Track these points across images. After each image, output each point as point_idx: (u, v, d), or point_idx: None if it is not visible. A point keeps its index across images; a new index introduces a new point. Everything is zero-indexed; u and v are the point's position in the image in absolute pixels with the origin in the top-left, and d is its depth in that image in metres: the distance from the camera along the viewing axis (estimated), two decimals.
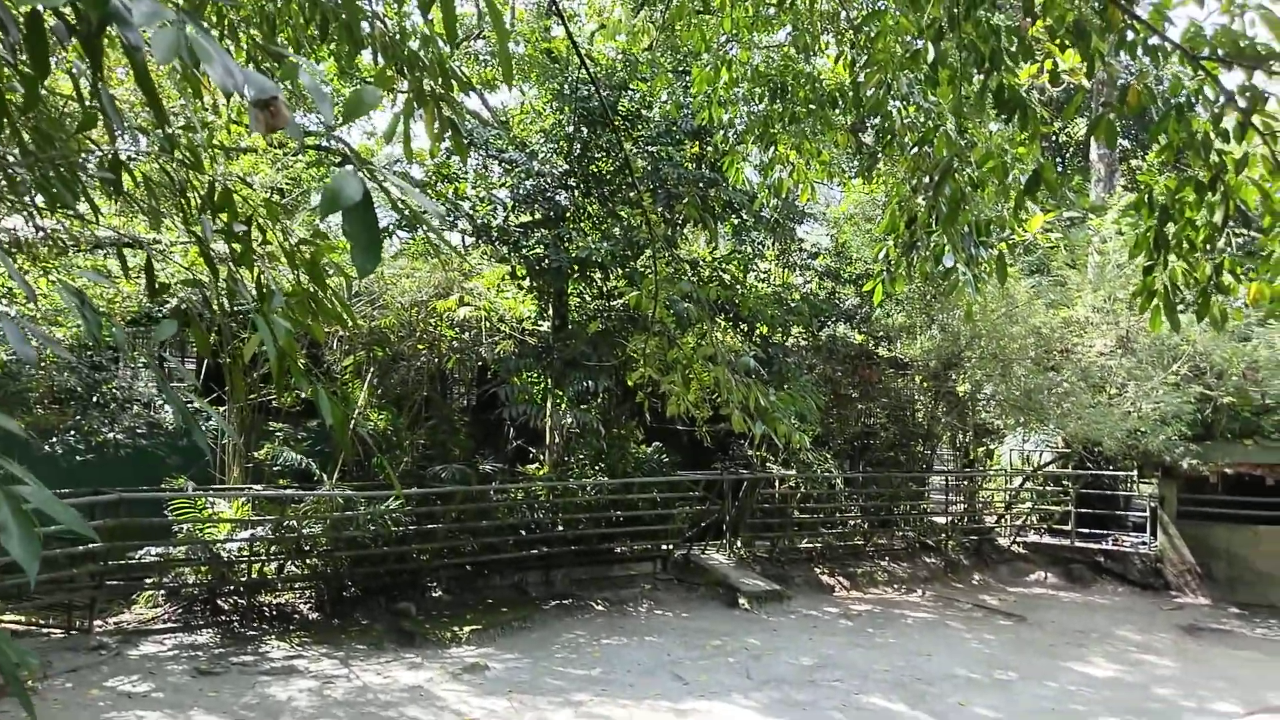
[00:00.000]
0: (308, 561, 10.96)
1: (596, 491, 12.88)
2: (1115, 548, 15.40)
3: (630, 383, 8.46)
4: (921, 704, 8.46)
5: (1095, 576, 15.04)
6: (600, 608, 11.75)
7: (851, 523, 15.48)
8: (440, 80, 3.19)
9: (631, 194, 12.24)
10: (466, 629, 10.33)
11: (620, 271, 12.95)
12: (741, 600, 12.24)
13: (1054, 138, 21.69)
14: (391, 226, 12.95)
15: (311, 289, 2.82)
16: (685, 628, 11.05)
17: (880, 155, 5.61)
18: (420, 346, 12.47)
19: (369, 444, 11.92)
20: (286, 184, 11.05)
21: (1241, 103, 3.91)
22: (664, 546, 13.48)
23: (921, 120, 4.97)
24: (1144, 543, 15.07)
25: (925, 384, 15.63)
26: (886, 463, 16.30)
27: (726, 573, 13.09)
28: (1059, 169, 20.32)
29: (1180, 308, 4.52)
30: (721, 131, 9.80)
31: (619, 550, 13.23)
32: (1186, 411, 12.99)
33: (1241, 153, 4.12)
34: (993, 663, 10.01)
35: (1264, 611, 12.69)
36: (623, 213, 12.99)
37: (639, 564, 13.21)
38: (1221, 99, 3.99)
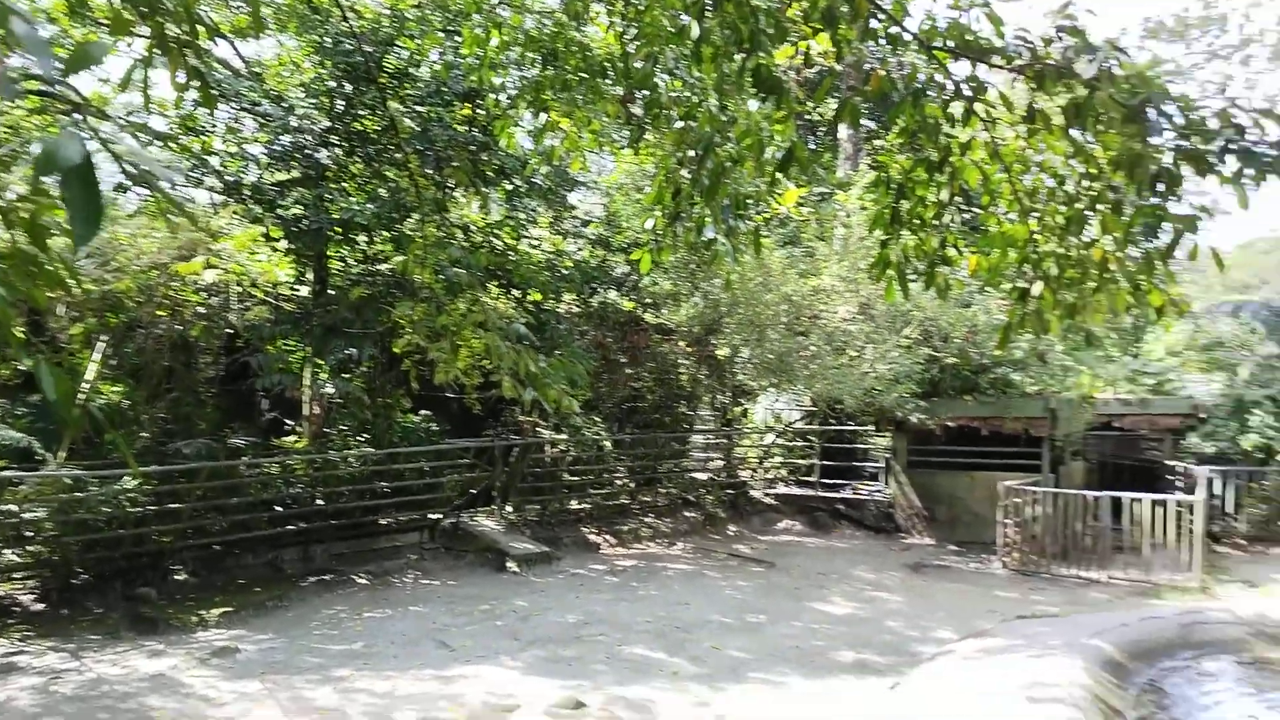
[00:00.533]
0: (29, 549, 9.90)
1: (360, 463, 12.47)
2: (854, 496, 16.81)
3: (396, 350, 8.23)
4: (680, 651, 8.90)
5: (836, 523, 16.37)
6: (363, 581, 11.44)
7: (619, 482, 15.94)
8: (186, 26, 2.92)
9: (398, 155, 11.80)
10: (215, 612, 9.76)
11: (386, 235, 12.50)
12: (510, 564, 12.31)
13: (807, 117, 23.01)
14: (125, 183, 11.78)
15: (31, 250, 2.52)
16: (453, 595, 10.98)
17: (648, 127, 5.73)
18: (161, 313, 11.50)
19: (100, 420, 10.87)
20: (4, 133, 9.77)
21: (967, 91, 4.32)
22: (431, 516, 13.29)
23: (686, 95, 5.12)
24: (878, 491, 16.55)
25: (689, 349, 16.28)
26: (652, 424, 16.87)
27: (496, 538, 13.12)
28: (811, 147, 21.57)
29: (911, 277, 4.95)
30: (493, 95, 9.64)
31: (384, 522, 12.91)
32: (916, 371, 14.35)
33: (966, 137, 4.56)
34: (744, 608, 10.68)
35: (978, 548, 14.29)
36: (389, 174, 12.51)
37: (405, 534, 12.96)
38: (950, 87, 4.40)
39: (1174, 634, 9.58)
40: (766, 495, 17.51)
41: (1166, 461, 16.55)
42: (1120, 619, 9.85)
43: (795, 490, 17.55)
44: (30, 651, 8.41)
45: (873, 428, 16.49)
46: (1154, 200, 3.97)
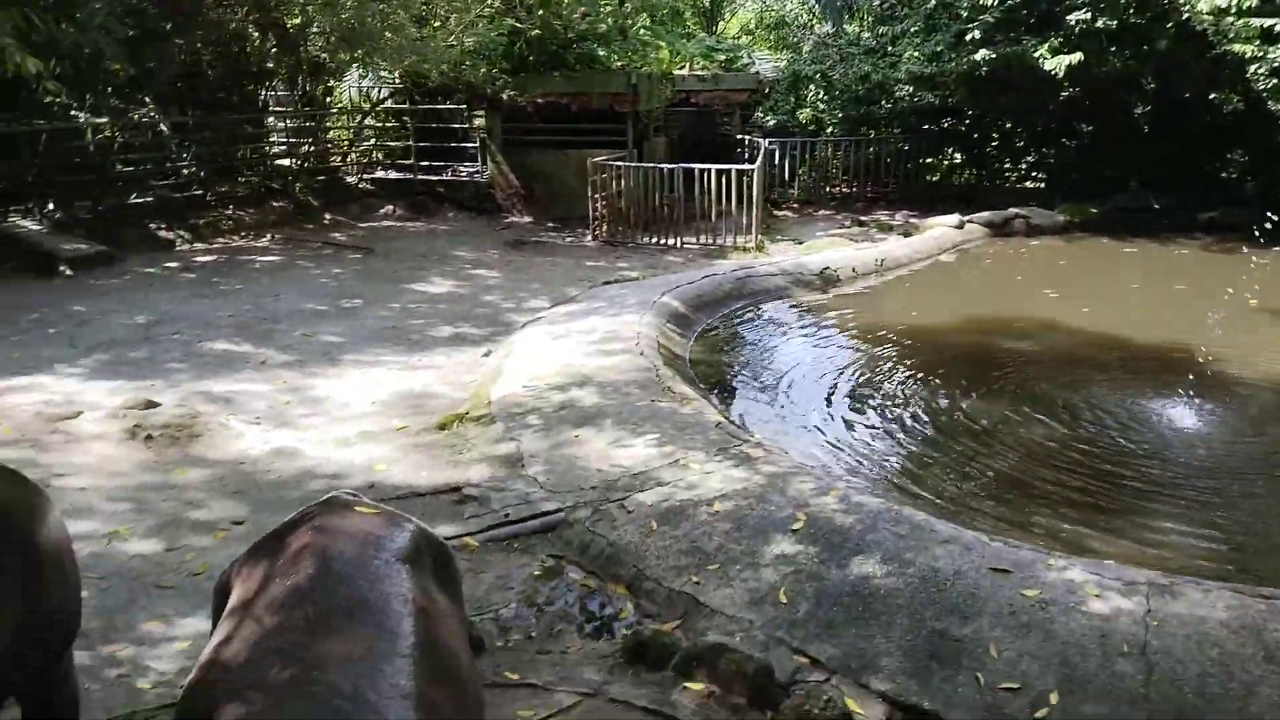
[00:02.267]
0: None
1: None
2: (453, 178, 16.60)
3: None
4: (268, 341, 8.54)
5: (437, 206, 16.17)
6: None
7: (186, 172, 14.27)
8: None
9: None
10: None
11: None
12: (62, 267, 10.81)
13: None
14: None
15: None
16: None
17: None
18: None
19: None
20: None
21: None
22: None
23: None
24: (477, 171, 16.44)
25: (252, 16, 14.29)
26: (219, 105, 15.01)
27: (40, 239, 11.37)
28: None
29: None
30: None
31: None
32: (501, 43, 13.87)
33: None
34: (340, 294, 10.42)
35: (573, 223, 14.88)
36: None
37: None
38: None
39: (730, 287, 10.88)
40: (363, 181, 16.74)
41: (737, 135, 18.05)
42: (687, 278, 10.97)
43: (393, 175, 16.93)
44: None
45: (467, 108, 16.02)
46: None
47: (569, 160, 14.82)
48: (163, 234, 12.90)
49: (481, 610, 4.23)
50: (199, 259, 12.10)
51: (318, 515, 2.63)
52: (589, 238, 14.10)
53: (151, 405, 6.76)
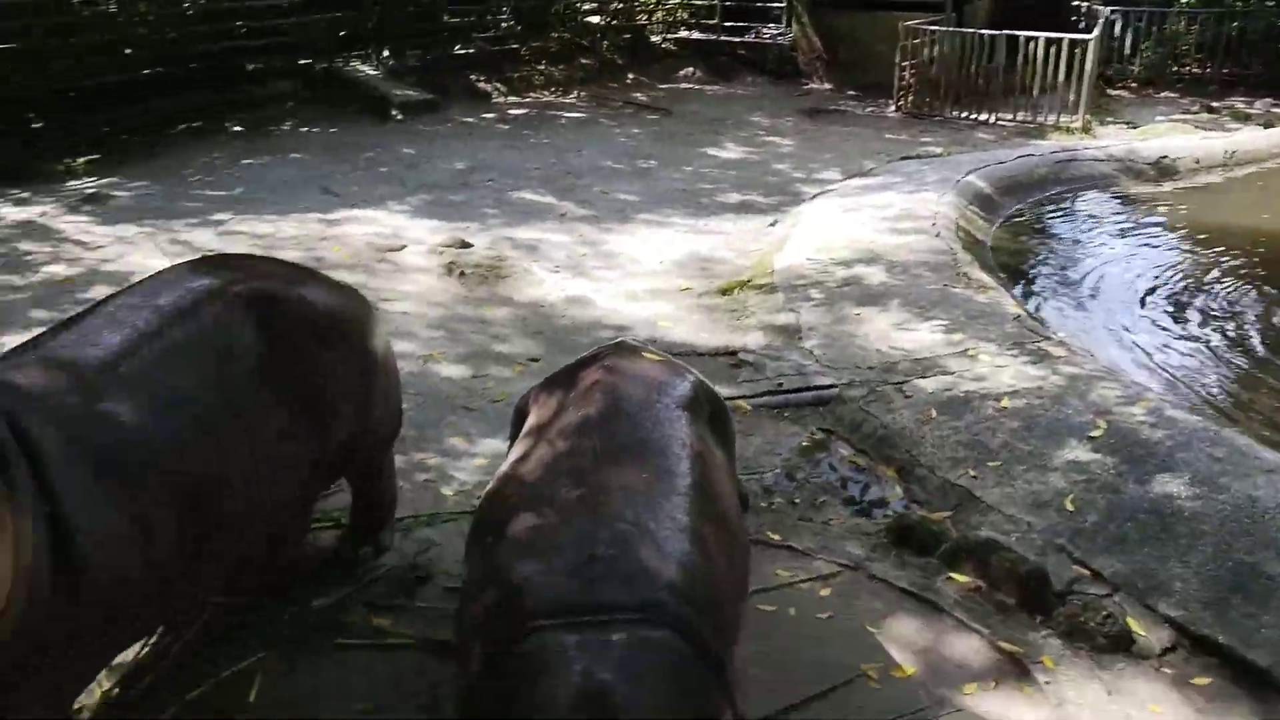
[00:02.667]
0: None
1: None
2: (756, 40, 16.20)
3: None
4: (569, 195, 8.94)
5: (738, 69, 15.91)
6: (238, 129, 10.89)
7: (504, 26, 14.91)
8: None
9: None
10: (82, 160, 9.27)
11: None
12: (394, 112, 11.80)
13: None
14: None
15: None
16: (335, 143, 10.60)
17: None
18: None
19: None
20: None
21: None
22: (303, 61, 12.37)
23: None
24: (781, 34, 15.93)
25: None
26: None
27: (376, 85, 12.42)
28: None
29: None
30: None
31: (253, 67, 12.00)
32: None
33: None
34: (637, 153, 10.63)
35: (875, 91, 14.13)
36: None
37: (278, 82, 12.13)
38: None
39: (1047, 170, 9.96)
40: (666, 41, 16.73)
41: (1072, 1, 16.13)
42: (998, 157, 10.16)
43: (696, 35, 16.77)
44: None
45: None
46: None
47: (878, 23, 13.94)
48: (481, 85, 13.68)
49: (748, 471, 4.31)
50: (512, 111, 12.75)
51: (609, 355, 2.77)
52: (891, 108, 13.36)
53: (465, 245, 7.34)
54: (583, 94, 14.09)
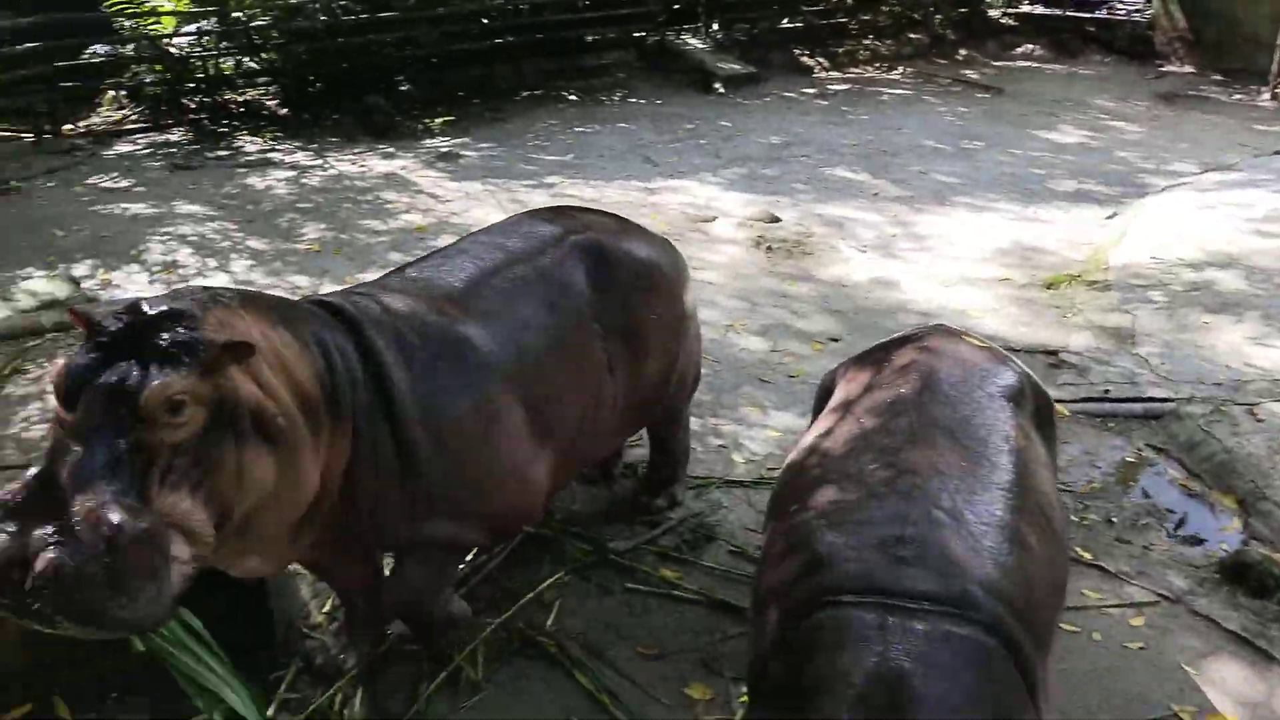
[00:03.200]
0: (263, 56, 10.54)
1: None
2: (1108, 16, 14.79)
3: None
4: (884, 173, 8.69)
5: (1083, 47, 14.63)
6: (573, 98, 11.58)
7: None
8: None
9: None
10: (438, 121, 10.27)
11: None
12: (716, 85, 12.02)
13: None
14: None
15: None
16: (658, 114, 10.99)
17: None
18: None
19: None
20: None
21: None
22: (637, 34, 12.89)
23: None
24: (1138, 10, 14.44)
25: None
26: None
27: (702, 58, 12.69)
28: None
29: None
30: None
31: (591, 38, 12.68)
32: None
33: None
34: (962, 134, 10.11)
35: (1244, 76, 12.52)
36: None
37: (612, 52, 12.74)
38: None
39: None
40: (1005, 15, 15.68)
41: None
42: None
43: (1040, 9, 15.56)
44: (281, 150, 9.32)
45: None
46: None
47: (1259, 1, 12.24)
48: (804, 60, 13.58)
49: (1062, 480, 4.01)
50: (832, 87, 12.57)
51: (928, 336, 2.67)
52: (1265, 96, 11.75)
53: (774, 220, 7.38)
54: (908, 70, 13.59)
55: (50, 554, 1.80)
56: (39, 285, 5.94)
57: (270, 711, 2.81)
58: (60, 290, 5.87)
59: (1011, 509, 2.09)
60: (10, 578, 1.82)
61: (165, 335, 2.06)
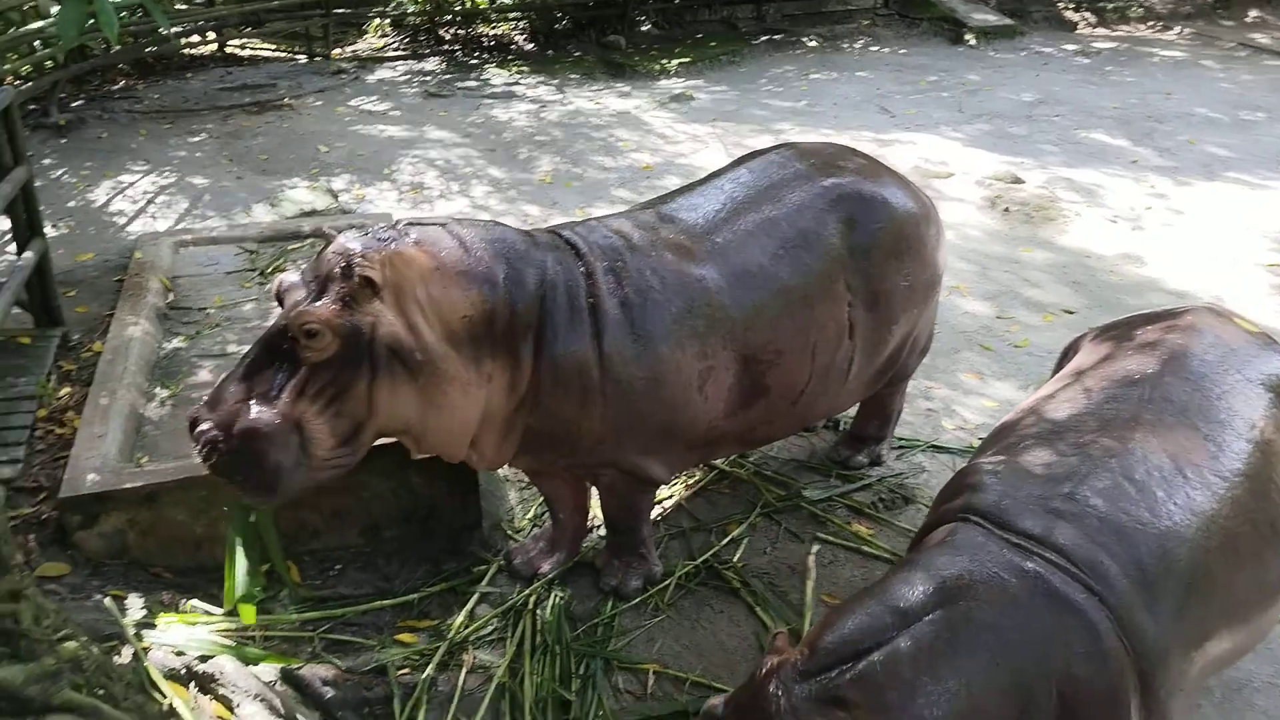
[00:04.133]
0: None
1: None
2: None
3: None
4: (1146, 141, 7.97)
5: None
6: (812, 44, 11.31)
7: None
8: None
9: None
10: (675, 62, 10.32)
11: None
12: (967, 36, 11.38)
13: None
14: None
15: None
16: (901, 64, 10.55)
17: None
18: None
19: None
20: None
21: None
22: None
23: None
24: None
25: None
26: None
27: (954, 6, 12.03)
28: None
29: None
30: None
31: None
32: None
33: None
34: (1241, 103, 9.08)
35: None
36: None
37: None
38: None
39: None
40: None
41: None
42: None
43: None
44: (525, 84, 9.69)
45: None
46: None
47: None
48: (1069, 14, 12.60)
49: None
50: (1097, 44, 11.59)
51: (1192, 314, 2.48)
52: None
53: (1016, 181, 6.96)
54: (1186, 31, 12.31)
55: (202, 428, 2.35)
56: (302, 195, 6.53)
57: (471, 604, 3.03)
58: (320, 201, 6.43)
59: (1220, 500, 1.92)
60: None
61: (334, 269, 2.40)
